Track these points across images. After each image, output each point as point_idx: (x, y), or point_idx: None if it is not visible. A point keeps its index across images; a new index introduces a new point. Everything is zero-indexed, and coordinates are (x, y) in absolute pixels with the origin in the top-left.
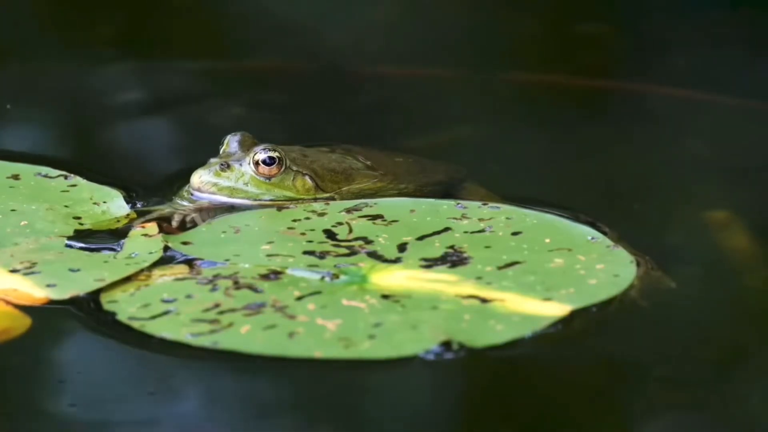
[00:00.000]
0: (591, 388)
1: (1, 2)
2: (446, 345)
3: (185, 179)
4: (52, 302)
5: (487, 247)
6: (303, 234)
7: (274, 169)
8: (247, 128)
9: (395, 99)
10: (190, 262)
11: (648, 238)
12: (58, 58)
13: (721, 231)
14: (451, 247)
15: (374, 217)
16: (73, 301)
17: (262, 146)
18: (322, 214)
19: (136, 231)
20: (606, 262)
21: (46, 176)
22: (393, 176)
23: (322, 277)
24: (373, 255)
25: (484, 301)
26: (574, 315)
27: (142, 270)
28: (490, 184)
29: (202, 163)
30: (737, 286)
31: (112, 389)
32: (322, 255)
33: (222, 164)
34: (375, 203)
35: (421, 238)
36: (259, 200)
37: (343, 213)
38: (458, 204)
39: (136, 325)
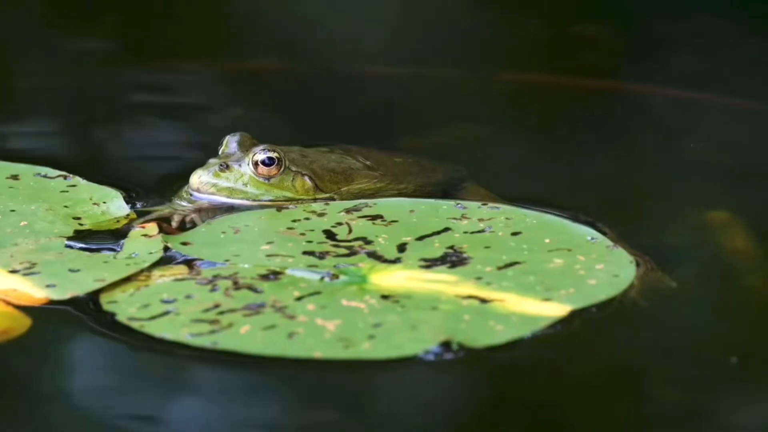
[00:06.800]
0: (591, 389)
1: (2, 2)
2: (446, 345)
3: (184, 179)
4: (52, 302)
5: (486, 247)
6: (302, 234)
7: (273, 169)
8: (247, 129)
9: (395, 99)
10: (189, 263)
11: (648, 238)
12: (58, 59)
13: (721, 231)
14: (451, 247)
15: (374, 218)
16: (73, 302)
17: (261, 147)
18: (321, 215)
19: (136, 231)
20: (606, 262)
21: (45, 176)
22: (392, 176)
23: (322, 278)
24: (373, 255)
25: (483, 301)
26: (573, 315)
27: (141, 270)
28: (490, 184)
29: (201, 163)
30: (737, 286)
31: (112, 389)
32: (322, 255)
33: (221, 165)
34: (374, 203)
35: (420, 239)
36: (259, 201)
37: (343, 213)
38: (458, 204)
39: (135, 325)
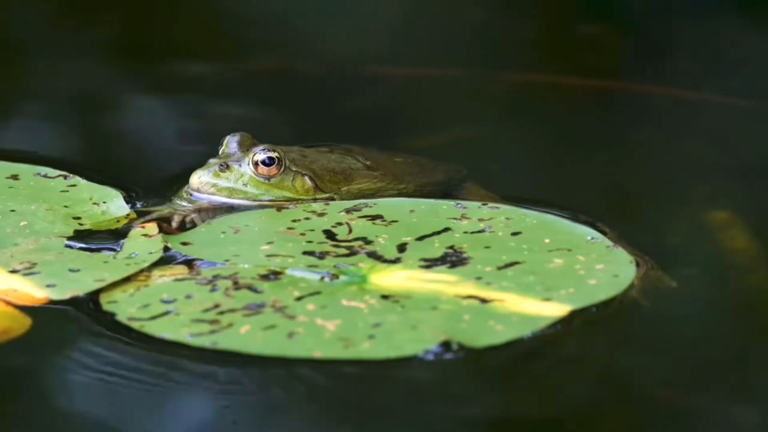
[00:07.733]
0: (591, 389)
1: (3, 2)
2: (446, 345)
3: (185, 179)
4: (52, 302)
5: (486, 247)
6: (303, 234)
7: (273, 169)
8: (247, 129)
9: (396, 99)
10: (189, 263)
11: (648, 238)
12: (58, 58)
13: (722, 231)
14: (451, 247)
15: (374, 218)
16: (73, 302)
17: (261, 147)
18: (321, 215)
19: (136, 231)
20: (606, 262)
21: (45, 176)
22: (392, 176)
23: (322, 278)
24: (373, 255)
25: (483, 301)
26: (573, 315)
27: (141, 270)
28: (490, 184)
29: (201, 163)
30: (737, 286)
31: (112, 390)
32: (322, 255)
33: (221, 165)
34: (374, 203)
35: (420, 239)
36: (259, 201)
37: (343, 213)
38: (458, 204)
39: (135, 325)
